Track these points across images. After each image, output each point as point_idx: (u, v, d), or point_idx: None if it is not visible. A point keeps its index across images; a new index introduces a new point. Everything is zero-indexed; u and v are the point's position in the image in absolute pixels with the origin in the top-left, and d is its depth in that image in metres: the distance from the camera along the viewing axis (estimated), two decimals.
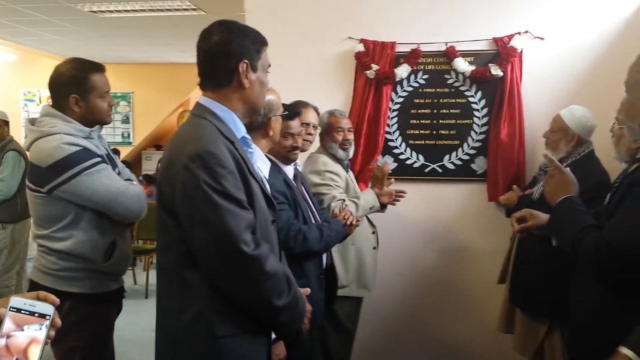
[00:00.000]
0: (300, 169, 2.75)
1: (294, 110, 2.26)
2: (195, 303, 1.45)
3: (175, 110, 9.48)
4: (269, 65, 1.60)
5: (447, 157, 3.38)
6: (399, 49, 3.30)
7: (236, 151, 1.48)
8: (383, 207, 2.98)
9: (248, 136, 1.61)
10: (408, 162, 3.43)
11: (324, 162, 2.81)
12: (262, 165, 1.91)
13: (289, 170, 2.30)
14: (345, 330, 2.82)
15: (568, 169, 1.79)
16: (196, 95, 1.60)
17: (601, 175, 2.48)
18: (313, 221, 2.30)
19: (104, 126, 2.22)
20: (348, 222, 2.33)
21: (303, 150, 2.81)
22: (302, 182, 2.42)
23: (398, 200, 2.95)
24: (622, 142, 2.29)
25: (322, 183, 2.74)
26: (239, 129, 1.56)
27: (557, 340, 2.49)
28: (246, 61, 1.50)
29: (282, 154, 2.27)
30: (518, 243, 2.75)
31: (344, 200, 2.73)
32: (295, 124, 2.26)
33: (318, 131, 2.88)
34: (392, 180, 2.93)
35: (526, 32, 3.19)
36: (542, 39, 3.19)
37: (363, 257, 2.82)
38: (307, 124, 2.77)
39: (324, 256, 2.37)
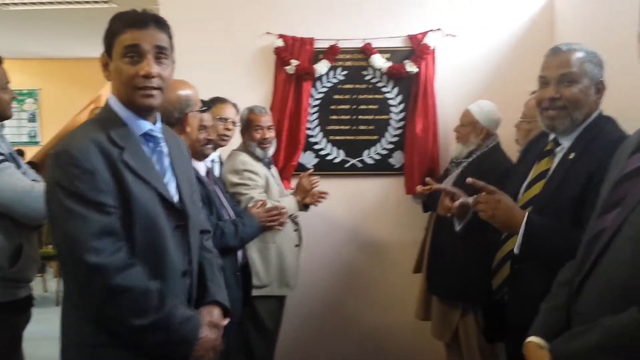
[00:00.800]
0: (216, 168, 2.71)
1: (207, 103, 2.22)
2: (74, 310, 1.41)
3: (87, 107, 9.02)
4: (130, 48, 1.40)
5: (366, 152, 3.45)
6: (318, 44, 3.32)
7: (117, 150, 1.38)
8: (306, 207, 3.00)
9: (157, 134, 1.51)
10: (329, 157, 3.47)
11: (243, 160, 2.76)
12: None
13: (201, 167, 2.24)
14: (267, 329, 2.80)
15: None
16: (108, 91, 1.50)
17: (510, 165, 2.63)
18: (227, 217, 2.27)
19: (8, 125, 2.09)
20: (277, 221, 2.34)
21: (220, 146, 2.77)
22: (214, 178, 2.38)
23: (320, 202, 2.99)
24: (532, 135, 2.42)
25: (240, 182, 2.69)
26: (140, 126, 1.47)
27: (471, 323, 2.62)
28: (104, 53, 1.45)
29: (196, 149, 2.22)
30: (432, 233, 2.86)
31: (264, 202, 2.72)
32: (208, 117, 2.20)
33: (238, 127, 2.84)
34: (318, 181, 2.94)
35: (439, 29, 3.32)
36: (454, 36, 3.33)
37: (284, 256, 2.80)
38: (225, 119, 2.73)
39: (239, 253, 2.35)
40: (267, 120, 2.85)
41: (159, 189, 1.44)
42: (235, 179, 2.70)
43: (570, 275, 1.37)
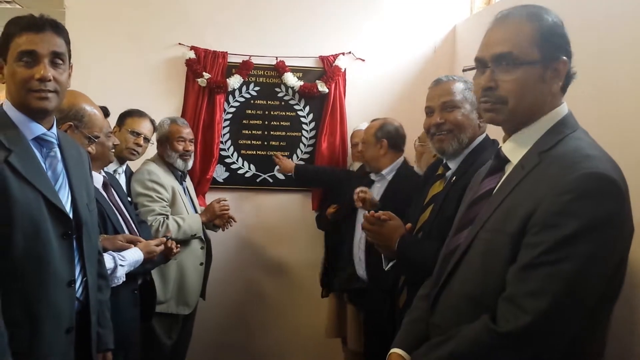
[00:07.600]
0: (122, 179, 2.61)
1: (105, 110, 2.11)
2: None
3: None
4: (26, 52, 1.39)
5: (277, 167, 3.48)
6: (231, 59, 3.33)
7: (3, 152, 1.35)
8: (216, 227, 2.97)
9: (50, 138, 1.48)
10: (240, 171, 3.46)
11: (149, 170, 2.69)
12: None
13: (97, 178, 2.12)
14: (163, 345, 2.69)
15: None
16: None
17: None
18: (127, 232, 2.14)
19: None
20: (172, 249, 2.28)
21: (129, 159, 2.66)
22: (117, 190, 2.27)
23: (227, 227, 3.00)
24: (424, 158, 2.53)
25: (143, 193, 2.63)
26: (32, 129, 1.44)
27: None
28: None
29: (106, 156, 2.13)
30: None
31: (167, 216, 2.65)
32: (107, 124, 2.12)
33: (151, 144, 2.75)
34: (228, 207, 2.93)
35: (349, 53, 3.44)
36: (363, 60, 3.46)
37: (186, 274, 2.73)
38: (137, 133, 2.62)
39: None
40: (189, 132, 2.87)
41: (46, 194, 1.40)
42: (139, 188, 2.64)
43: (428, 290, 1.43)
